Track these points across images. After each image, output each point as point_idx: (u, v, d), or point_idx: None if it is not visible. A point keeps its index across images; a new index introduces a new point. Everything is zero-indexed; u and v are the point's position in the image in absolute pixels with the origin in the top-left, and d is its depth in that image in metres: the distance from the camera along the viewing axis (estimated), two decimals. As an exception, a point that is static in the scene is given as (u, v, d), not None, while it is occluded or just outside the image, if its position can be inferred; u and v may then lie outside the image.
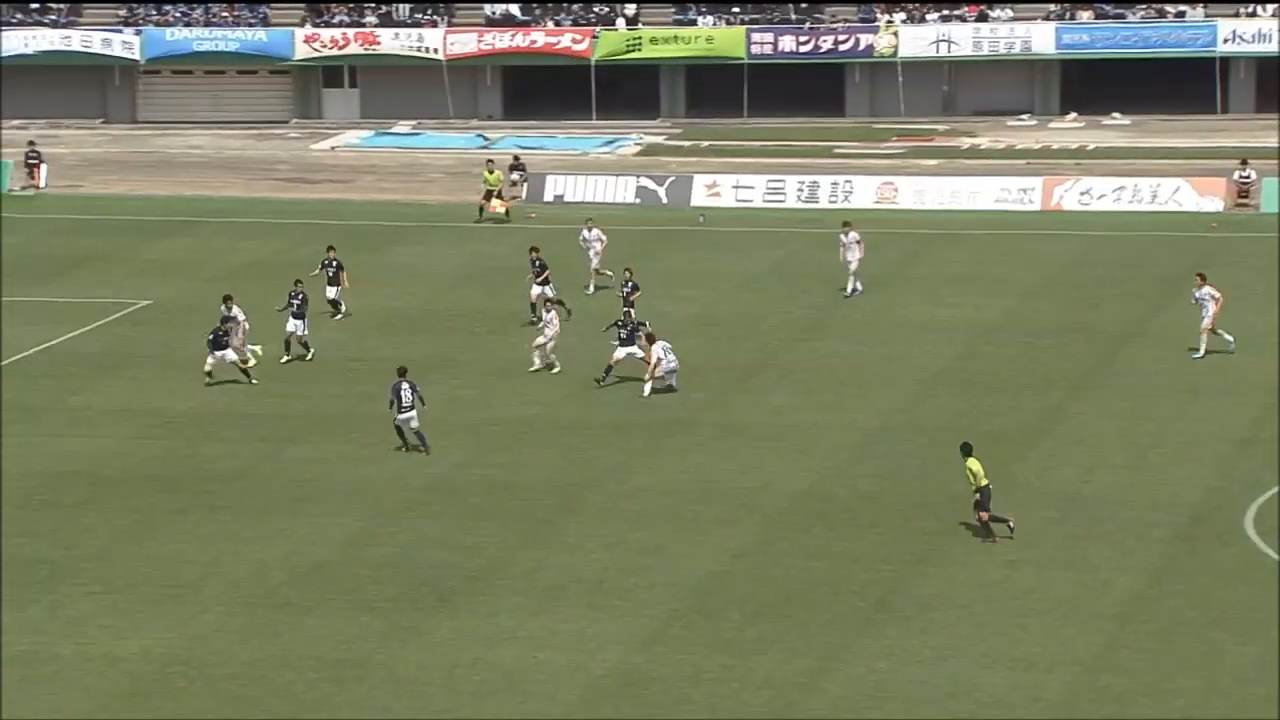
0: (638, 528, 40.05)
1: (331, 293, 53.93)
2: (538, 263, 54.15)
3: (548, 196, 71.27)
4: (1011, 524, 38.93)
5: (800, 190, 70.77)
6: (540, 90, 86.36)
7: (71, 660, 34.03)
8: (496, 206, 67.50)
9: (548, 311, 50.31)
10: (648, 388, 47.80)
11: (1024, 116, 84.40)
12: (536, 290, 53.55)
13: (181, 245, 64.39)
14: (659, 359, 47.80)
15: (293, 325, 50.30)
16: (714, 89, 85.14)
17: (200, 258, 62.54)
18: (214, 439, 45.41)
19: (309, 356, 50.47)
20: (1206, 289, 49.89)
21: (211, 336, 48.62)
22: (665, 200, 70.68)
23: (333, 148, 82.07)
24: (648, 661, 34.01)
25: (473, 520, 40.56)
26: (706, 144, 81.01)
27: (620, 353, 48.40)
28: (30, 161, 73.02)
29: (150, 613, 35.99)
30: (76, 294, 55.58)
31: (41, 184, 72.78)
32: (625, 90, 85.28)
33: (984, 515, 38.81)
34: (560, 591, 36.92)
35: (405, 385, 44.32)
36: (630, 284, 53.22)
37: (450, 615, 35.95)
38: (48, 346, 51.76)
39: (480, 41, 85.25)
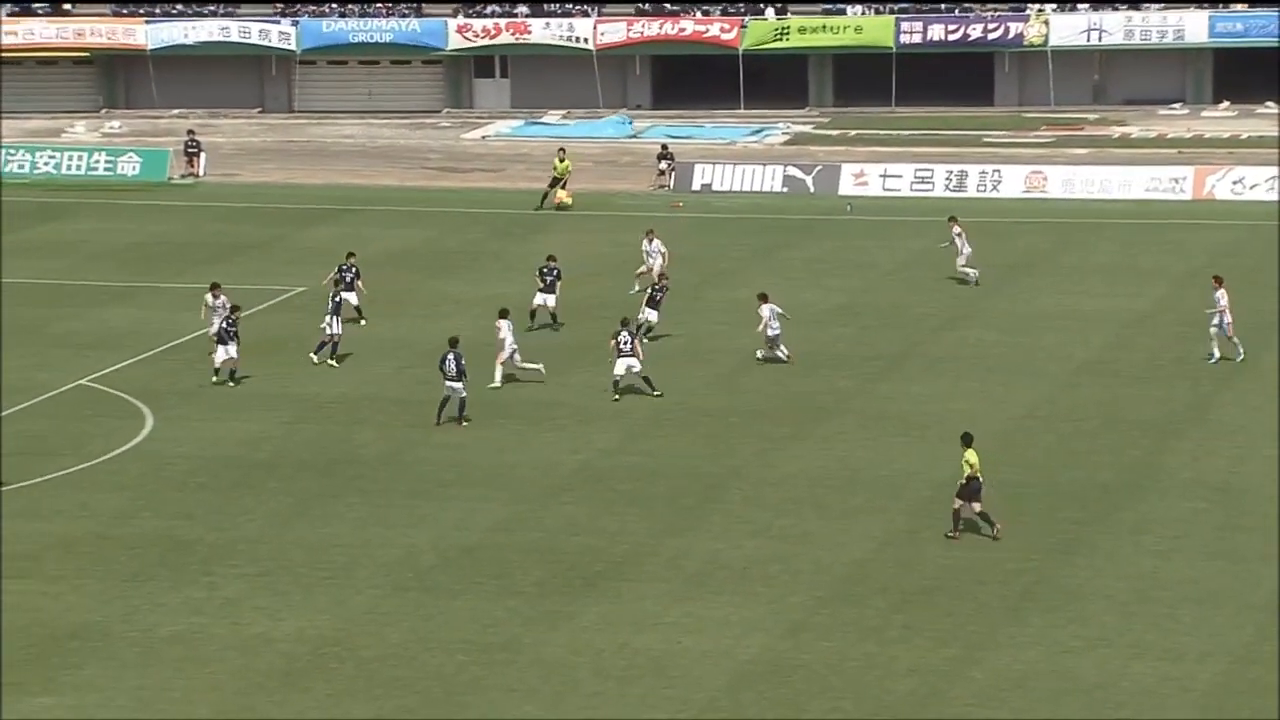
0: (782, 515, 39.97)
1: (352, 299, 52.89)
2: (553, 271, 52.79)
3: (695, 185, 71.28)
4: (996, 531, 38.31)
5: (948, 179, 70.38)
6: (688, 79, 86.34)
7: (228, 640, 34.39)
8: (562, 196, 67.56)
9: (502, 319, 48.21)
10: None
11: (1175, 105, 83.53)
12: (539, 299, 52.42)
13: (335, 233, 64.94)
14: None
15: (333, 326, 49.84)
16: (862, 78, 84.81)
17: (353, 245, 62.91)
18: (365, 424, 45.76)
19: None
20: (1220, 292, 48.78)
21: (218, 331, 48.31)
22: (812, 189, 70.51)
23: (483, 137, 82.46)
24: (792, 648, 33.93)
25: (619, 506, 40.62)
26: (854, 133, 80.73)
27: (620, 367, 47.47)
28: (189, 150, 73.87)
29: (303, 595, 36.31)
30: (233, 280, 56.11)
31: (200, 172, 73.60)
32: (773, 79, 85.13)
33: (964, 504, 38.07)
34: (705, 578, 36.91)
35: (452, 356, 44.64)
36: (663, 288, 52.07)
37: (597, 600, 36.03)
38: (207, 331, 52.33)
39: (630, 31, 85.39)
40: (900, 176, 70.93)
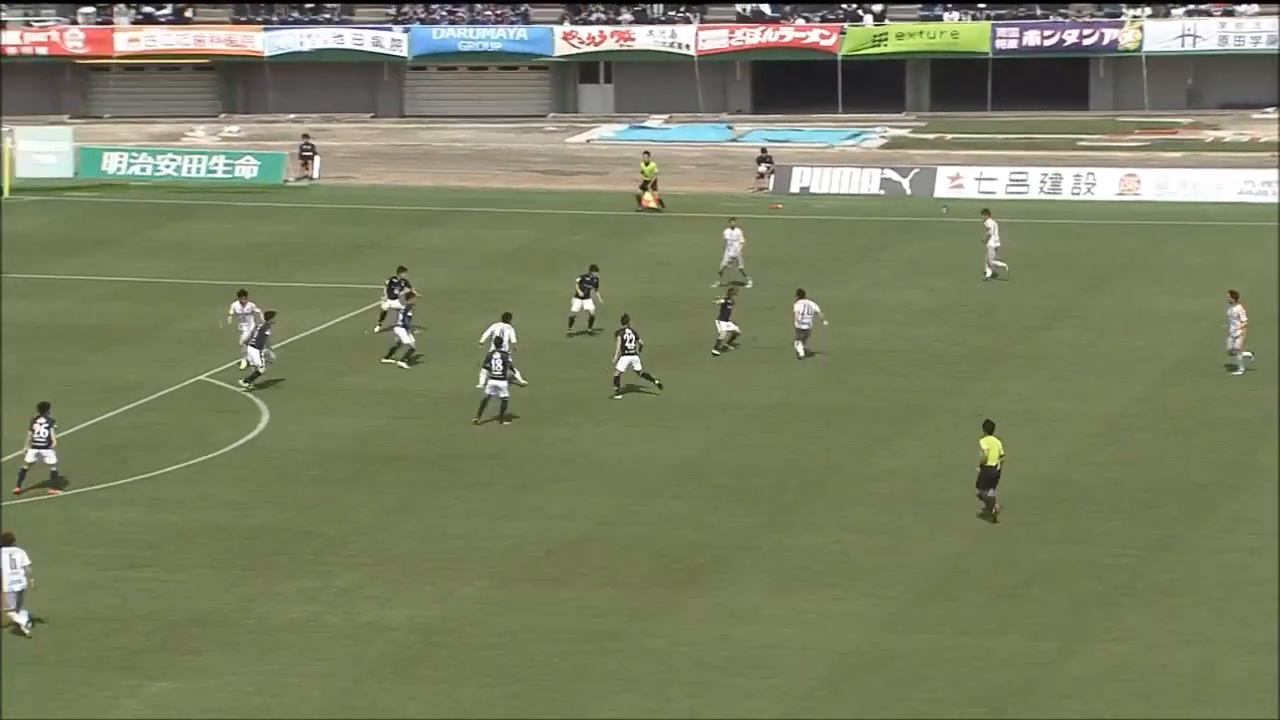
0: (880, 510, 39.83)
1: (386, 304, 52.35)
2: (593, 280, 52.30)
3: (794, 188, 71.17)
4: (996, 511, 38.45)
5: (1043, 182, 69.98)
6: (788, 84, 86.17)
7: (341, 628, 34.53)
8: (651, 200, 67.60)
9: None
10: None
11: (1269, 110, 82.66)
12: (577, 305, 52.04)
13: (445, 234, 65.17)
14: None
15: (402, 334, 49.68)
16: (959, 83, 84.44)
17: (462, 246, 63.27)
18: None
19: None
20: (1237, 308, 48.11)
21: (254, 336, 47.94)
22: (909, 191, 70.24)
23: (588, 141, 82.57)
24: (890, 640, 33.78)
25: (720, 501, 40.56)
26: (950, 136, 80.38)
27: (622, 363, 47.16)
28: (304, 154, 74.28)
29: (414, 585, 36.43)
30: (348, 279, 56.40)
31: (315, 175, 74.00)
32: (871, 84, 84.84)
33: (980, 492, 38.36)
34: (805, 571, 36.81)
35: (499, 355, 44.67)
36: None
37: (699, 592, 35.98)
38: (322, 329, 52.58)
39: (731, 38, 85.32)
40: (995, 179, 70.56)
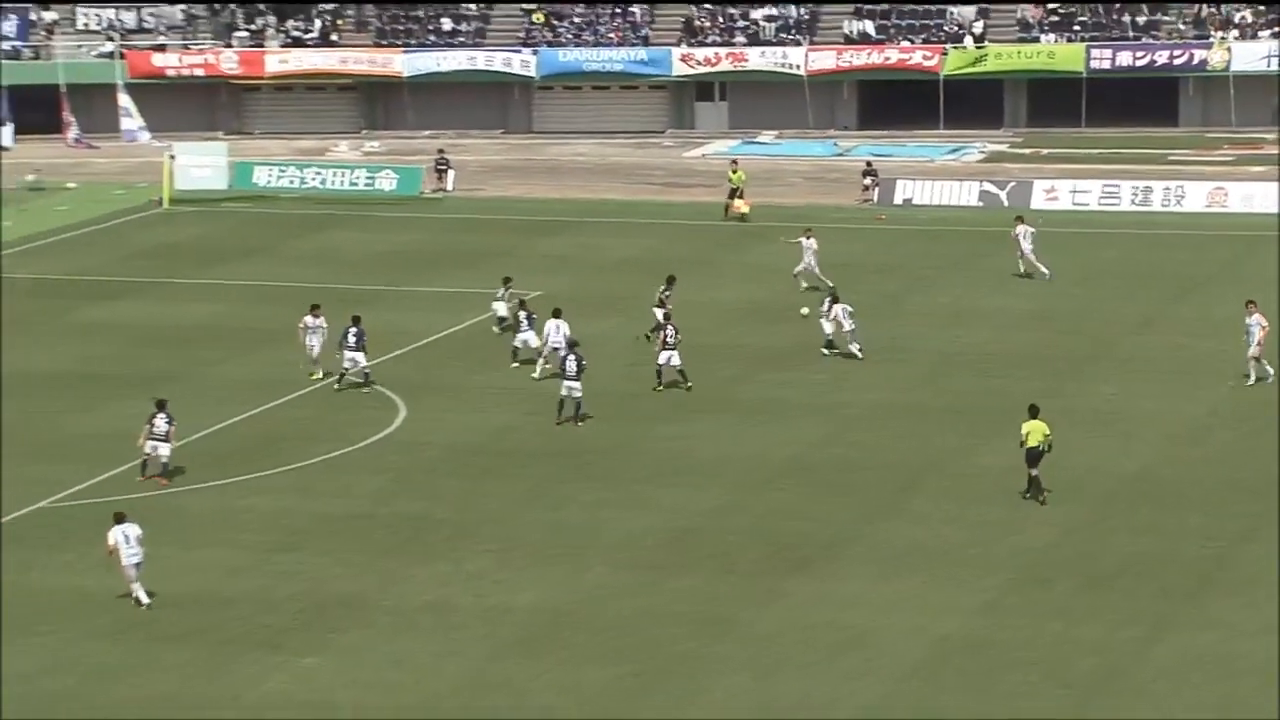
0: (976, 504, 39.71)
1: (502, 310, 52.65)
2: (667, 292, 51.96)
3: (897, 199, 70.96)
4: (1043, 498, 38.80)
5: (1134, 194, 69.43)
6: (892, 102, 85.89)
7: (472, 610, 34.78)
8: (740, 206, 67.60)
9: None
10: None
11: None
12: (660, 314, 51.45)
13: (569, 242, 65.39)
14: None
15: (519, 339, 49.81)
16: (1054, 101, 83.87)
17: (585, 253, 63.46)
18: (596, 417, 45.91)
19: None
20: (1256, 317, 47.37)
21: (355, 340, 47.80)
22: (1006, 203, 69.83)
23: (703, 155, 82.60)
24: (985, 626, 33.71)
25: (826, 494, 40.56)
26: (1046, 151, 79.86)
27: (662, 357, 47.31)
28: (439, 168, 74.73)
29: (540, 570, 36.63)
30: (478, 285, 56.74)
31: (449, 187, 74.41)
32: (971, 102, 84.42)
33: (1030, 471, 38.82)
34: (905, 561, 36.77)
35: (572, 357, 44.62)
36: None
37: (807, 580, 36.01)
38: (453, 331, 52.94)
39: (839, 58, 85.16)
40: (1089, 192, 70.07)
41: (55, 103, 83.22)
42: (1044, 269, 57.77)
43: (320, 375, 48.34)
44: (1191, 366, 49.08)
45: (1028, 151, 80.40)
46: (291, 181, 74.75)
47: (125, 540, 34.62)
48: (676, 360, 47.26)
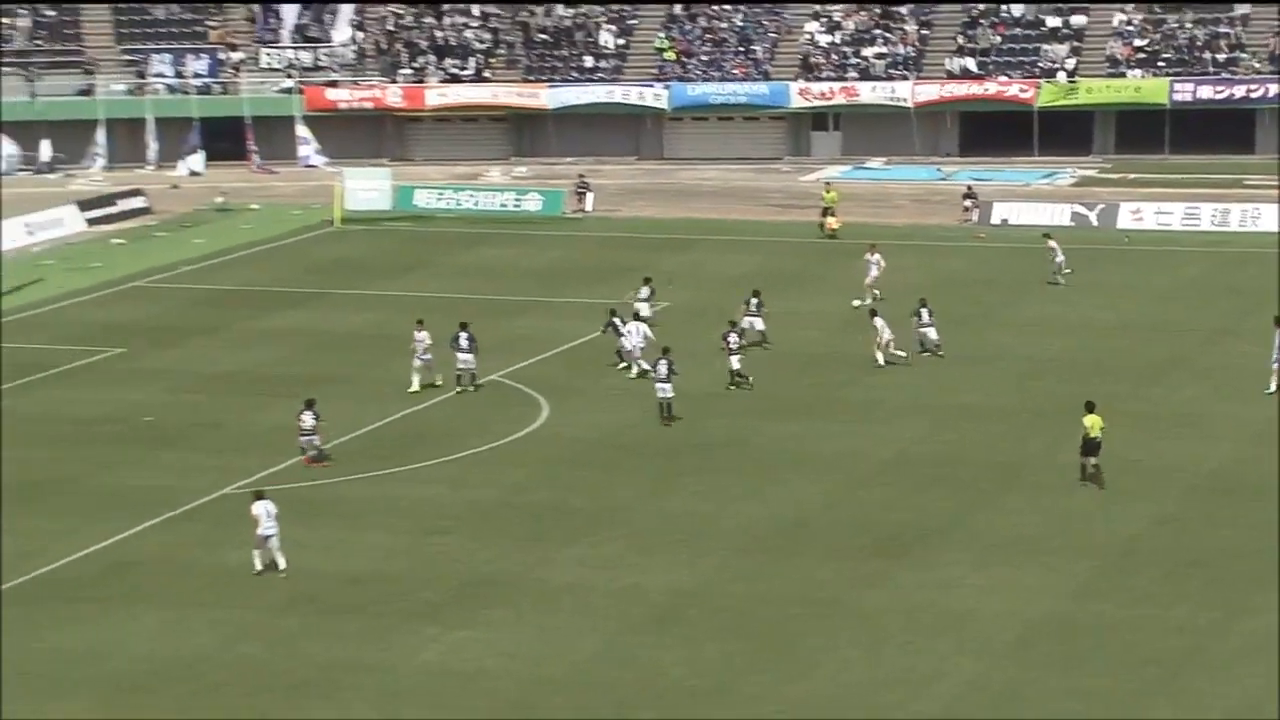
0: (1066, 497, 39.21)
1: (759, 324, 52.19)
2: (756, 302, 51.85)
3: (995, 220, 70.33)
4: (1100, 478, 38.66)
5: (1214, 216, 68.42)
6: (991, 131, 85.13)
7: (607, 590, 34.76)
8: (832, 224, 67.19)
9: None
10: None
11: None
12: (747, 322, 51.26)
13: (694, 258, 65.26)
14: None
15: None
16: (1140, 130, 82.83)
17: (709, 268, 63.33)
18: (714, 415, 45.77)
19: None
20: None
21: (467, 344, 47.47)
22: (1095, 224, 69.06)
23: (818, 179, 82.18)
24: (1075, 609, 33.26)
25: (927, 487, 40.20)
26: (1132, 176, 78.86)
27: (733, 362, 47.47)
28: (579, 190, 74.87)
29: (666, 555, 36.55)
30: (614, 296, 56.77)
31: (588, 208, 74.52)
32: (1063, 131, 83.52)
33: (1085, 459, 38.80)
34: (1000, 549, 36.36)
35: (664, 362, 44.42)
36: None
37: (909, 566, 35.70)
38: (592, 337, 52.99)
39: (942, 91, 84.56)
40: (1171, 213, 69.10)
41: (241, 133, 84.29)
42: (1062, 280, 58.11)
43: (417, 388, 47.46)
44: (1264, 373, 48.17)
45: (1115, 176, 79.41)
46: (448, 203, 75.18)
47: (266, 514, 35.12)
48: (736, 364, 47.27)
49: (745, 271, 62.27)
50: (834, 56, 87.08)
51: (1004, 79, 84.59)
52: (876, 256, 57.25)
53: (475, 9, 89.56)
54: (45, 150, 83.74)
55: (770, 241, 68.18)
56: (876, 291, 56.51)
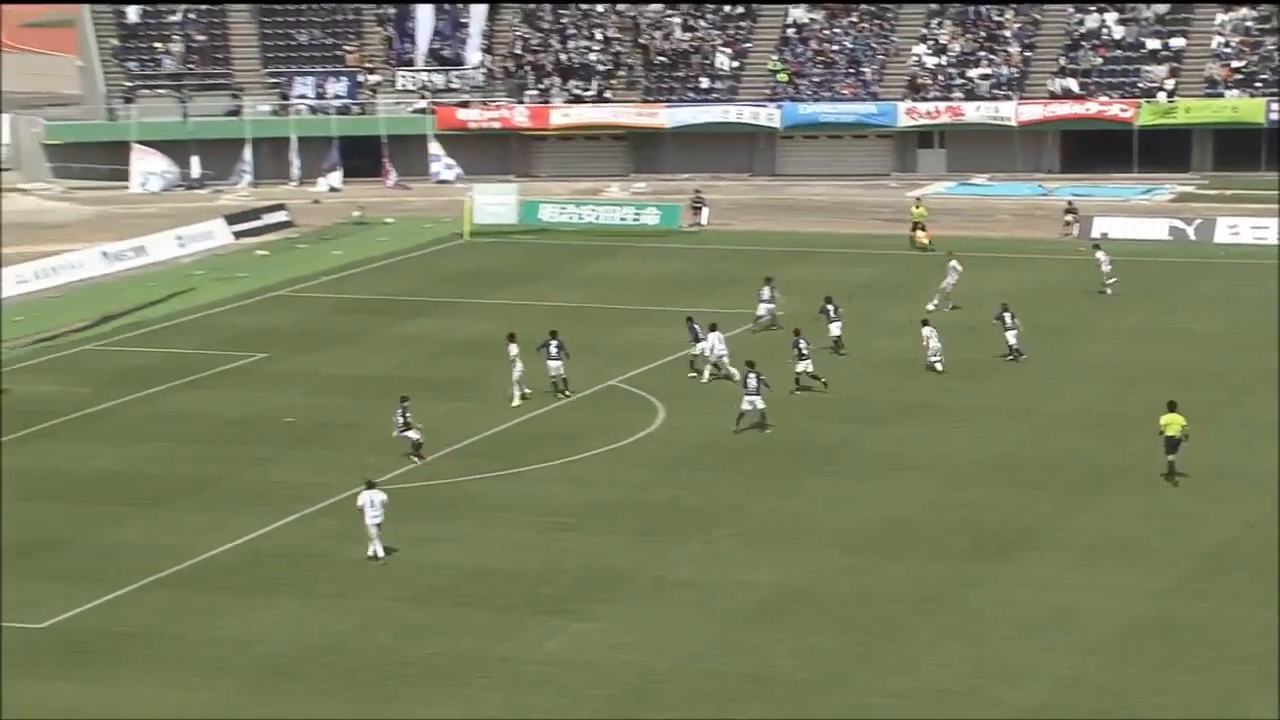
0: (1162, 500, 38.77)
1: (835, 330, 52.07)
2: (835, 308, 51.86)
3: (1095, 233, 69.58)
4: (1177, 480, 38.48)
5: (1308, 230, 67.43)
6: (1092, 149, 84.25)
7: (719, 585, 34.77)
8: (922, 238, 66.61)
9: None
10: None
11: None
12: (835, 328, 51.38)
13: (805, 269, 65.01)
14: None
15: (698, 348, 49.42)
16: (1237, 148, 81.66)
17: (819, 279, 62.96)
18: (824, 418, 45.70)
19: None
20: None
21: (551, 351, 47.36)
22: (1193, 238, 68.19)
23: (923, 195, 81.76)
24: (1170, 608, 32.90)
25: (1026, 490, 39.91)
26: (1229, 192, 77.75)
27: (800, 365, 46.99)
28: (695, 205, 74.90)
29: (776, 552, 36.51)
30: (728, 305, 56.78)
31: (703, 222, 74.55)
32: (1162, 149, 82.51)
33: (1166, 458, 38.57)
34: (1098, 549, 36.03)
35: (752, 375, 44.10)
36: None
37: (1010, 564, 35.47)
38: (690, 352, 52.89)
39: (1045, 110, 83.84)
40: (1267, 228, 68.06)
41: (377, 151, 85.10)
42: (1109, 290, 57.87)
43: (518, 401, 47.02)
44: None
45: (1213, 192, 78.34)
46: (571, 217, 75.46)
47: (370, 504, 35.49)
48: (810, 368, 47.10)
49: (857, 282, 62.03)
50: (940, 77, 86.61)
51: (1105, 99, 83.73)
52: (954, 263, 57.00)
53: (598, 33, 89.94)
54: (196, 167, 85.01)
55: (879, 254, 67.87)
56: (950, 300, 56.16)
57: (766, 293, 54.22)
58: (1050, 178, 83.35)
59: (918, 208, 68.71)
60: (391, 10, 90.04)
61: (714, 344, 48.95)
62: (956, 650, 31.45)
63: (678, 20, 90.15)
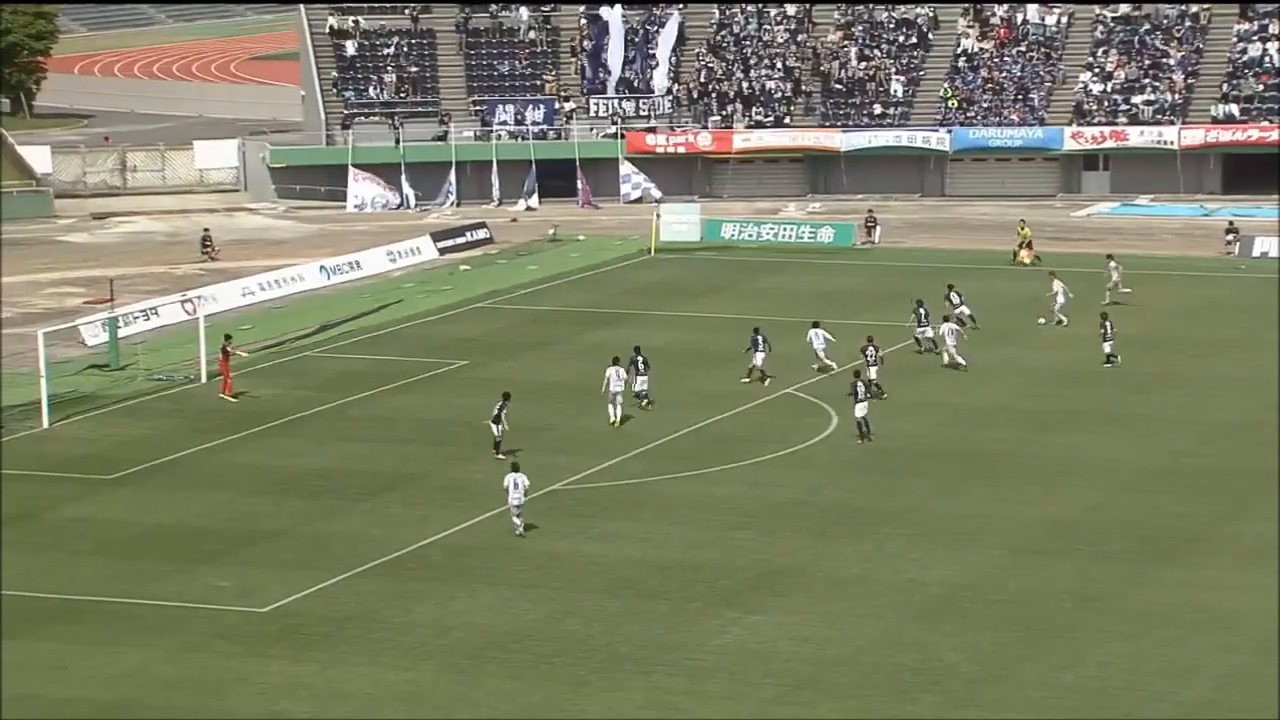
0: (1324, 509, 37.43)
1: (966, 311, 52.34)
2: (925, 310, 52.15)
3: (1255, 252, 67.83)
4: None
5: None
6: (1252, 171, 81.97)
7: (889, 582, 34.31)
8: (1023, 256, 65.65)
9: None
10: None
11: None
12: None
13: (974, 285, 63.84)
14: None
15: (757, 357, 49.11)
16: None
17: (989, 292, 62.08)
18: (995, 426, 44.99)
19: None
20: None
21: (639, 366, 46.72)
22: (1353, 255, 66.03)
23: (1087, 215, 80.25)
24: (1330, 613, 31.72)
25: (1189, 495, 38.82)
26: (1391, 211, 75.17)
27: (870, 373, 46.62)
28: (868, 224, 74.26)
29: (945, 551, 35.94)
30: (893, 319, 56.10)
31: (876, 240, 73.86)
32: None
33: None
34: (1261, 554, 34.90)
35: (860, 384, 43.50)
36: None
37: (1171, 567, 34.51)
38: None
39: (1206, 135, 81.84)
40: None
41: (571, 174, 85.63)
42: (1115, 298, 56.83)
43: (618, 421, 45.85)
44: None
45: (1372, 211, 75.79)
46: (750, 235, 75.21)
47: (514, 485, 36.31)
48: (873, 375, 46.79)
49: (1024, 297, 60.98)
50: (1105, 104, 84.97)
51: (1266, 124, 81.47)
52: (1058, 284, 55.83)
53: (778, 63, 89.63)
54: (405, 188, 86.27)
55: (1044, 273, 66.52)
56: (1062, 318, 54.96)
57: (957, 298, 54.20)
58: (1212, 199, 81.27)
59: (1024, 229, 67.52)
60: (587, 42, 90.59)
61: (813, 340, 49.67)
62: (1120, 648, 30.65)
63: (854, 50, 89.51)
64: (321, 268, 69.03)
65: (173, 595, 34.04)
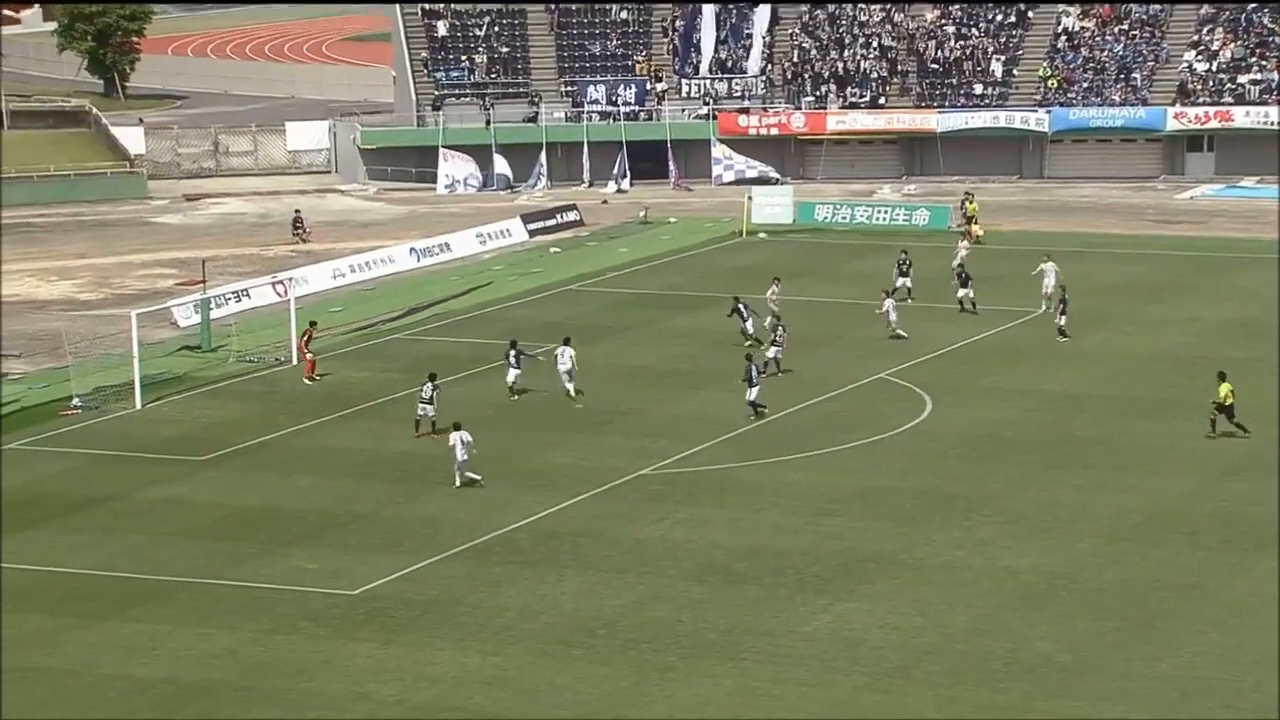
0: None
1: (1061, 321, 51.38)
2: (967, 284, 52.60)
3: (1365, 235, 66.79)
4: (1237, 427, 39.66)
5: None
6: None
7: (981, 570, 34.20)
8: (976, 231, 66.68)
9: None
10: None
11: None
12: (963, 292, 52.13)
13: (1073, 268, 63.41)
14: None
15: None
16: None
17: (1082, 277, 61.59)
18: (1084, 413, 44.72)
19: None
20: None
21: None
22: None
23: (1191, 197, 79.36)
24: None
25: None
26: None
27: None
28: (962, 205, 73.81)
29: (1038, 539, 35.82)
30: (996, 302, 55.75)
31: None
32: None
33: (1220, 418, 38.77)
34: (1361, 545, 34.47)
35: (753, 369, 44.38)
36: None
37: (1265, 556, 34.23)
38: (975, 340, 52.15)
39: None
40: None
41: (662, 155, 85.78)
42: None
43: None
44: None
45: None
46: (844, 217, 75.04)
47: (461, 443, 38.27)
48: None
49: (1125, 281, 60.48)
50: (1210, 83, 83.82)
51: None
52: (1050, 264, 55.15)
53: (874, 42, 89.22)
54: (497, 169, 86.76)
55: (1147, 254, 66.06)
56: (1050, 300, 54.47)
57: (1049, 265, 55.04)
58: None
59: (971, 203, 67.17)
60: (679, 22, 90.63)
61: (887, 309, 51.51)
62: (1215, 638, 30.48)
63: (951, 29, 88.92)
64: (411, 250, 69.65)
65: (260, 577, 34.62)
